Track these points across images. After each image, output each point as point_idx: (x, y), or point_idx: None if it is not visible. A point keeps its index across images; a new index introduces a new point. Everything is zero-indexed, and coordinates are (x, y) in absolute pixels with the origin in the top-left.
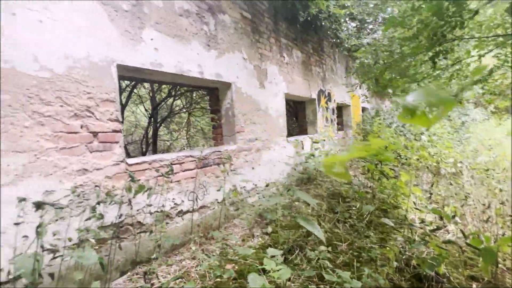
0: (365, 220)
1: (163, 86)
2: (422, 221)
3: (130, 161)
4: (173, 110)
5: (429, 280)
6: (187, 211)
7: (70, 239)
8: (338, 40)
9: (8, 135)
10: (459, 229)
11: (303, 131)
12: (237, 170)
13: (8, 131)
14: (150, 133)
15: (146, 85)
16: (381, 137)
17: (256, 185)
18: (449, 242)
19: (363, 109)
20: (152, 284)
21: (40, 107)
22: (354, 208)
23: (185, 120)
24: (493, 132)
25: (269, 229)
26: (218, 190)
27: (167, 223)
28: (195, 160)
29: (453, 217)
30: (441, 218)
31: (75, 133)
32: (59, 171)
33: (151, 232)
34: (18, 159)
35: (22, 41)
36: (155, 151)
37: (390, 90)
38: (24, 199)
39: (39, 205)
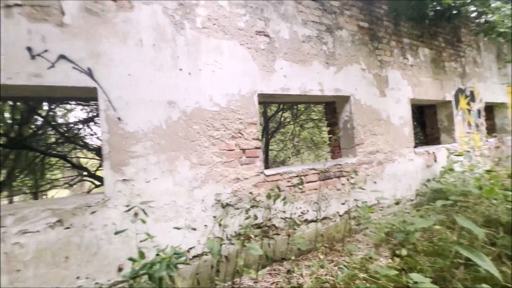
0: None
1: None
2: None
3: (267, 172)
4: (281, 122)
5: None
6: (311, 221)
7: (237, 233)
8: (486, 24)
9: (197, 153)
10: None
11: (434, 140)
12: (357, 184)
13: (197, 150)
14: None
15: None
16: None
17: (378, 201)
18: None
19: None
20: (290, 281)
21: (213, 132)
22: None
23: (291, 131)
24: None
25: (403, 252)
26: (343, 204)
27: (295, 229)
28: (317, 173)
29: None
30: None
31: (232, 150)
32: (223, 179)
33: (289, 236)
34: (202, 170)
35: (203, 87)
36: (266, 161)
37: None
38: (218, 199)
39: (224, 205)
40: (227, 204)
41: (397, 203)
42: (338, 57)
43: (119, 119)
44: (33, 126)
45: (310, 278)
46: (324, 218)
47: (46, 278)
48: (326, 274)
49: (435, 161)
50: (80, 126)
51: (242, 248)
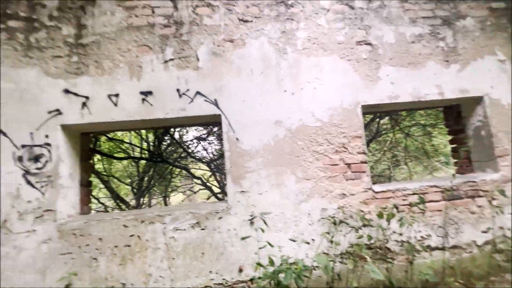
0: None
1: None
2: None
3: (376, 188)
4: (378, 130)
5: None
6: (436, 248)
7: (347, 252)
8: None
9: (302, 168)
10: None
11: None
12: (504, 207)
13: (302, 165)
14: None
15: None
16: None
17: None
18: None
19: None
20: None
21: (316, 147)
22: None
23: (389, 140)
24: None
25: None
26: (484, 232)
27: (414, 255)
28: (441, 191)
29: None
30: None
31: (336, 165)
32: (328, 194)
33: (411, 263)
34: (307, 184)
35: (305, 104)
36: None
37: None
38: (327, 213)
39: (336, 222)
40: (340, 222)
41: None
42: (462, 51)
43: (237, 139)
44: (165, 144)
45: None
46: (454, 246)
47: (190, 268)
48: None
49: None
50: (196, 143)
51: (354, 268)
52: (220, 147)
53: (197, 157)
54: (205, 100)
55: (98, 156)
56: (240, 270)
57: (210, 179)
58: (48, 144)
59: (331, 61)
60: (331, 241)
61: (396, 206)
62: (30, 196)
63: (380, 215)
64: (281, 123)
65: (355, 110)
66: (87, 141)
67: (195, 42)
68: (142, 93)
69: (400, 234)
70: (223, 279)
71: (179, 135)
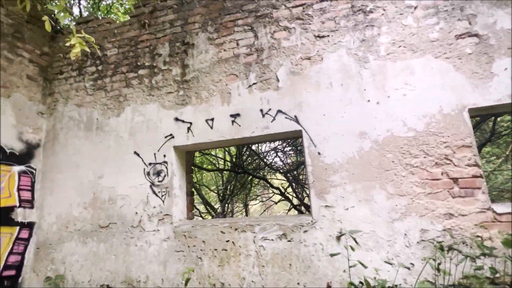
0: None
1: None
2: None
3: (499, 209)
4: (494, 131)
5: None
6: None
7: (460, 284)
8: None
9: (394, 183)
10: None
11: None
12: None
13: (393, 179)
14: None
15: None
16: None
17: None
18: None
19: None
20: None
21: (410, 160)
22: None
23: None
24: None
25: None
26: None
27: None
28: None
29: None
30: None
31: (437, 179)
32: (429, 213)
33: None
34: (401, 201)
35: (393, 113)
36: None
37: None
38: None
39: (442, 248)
40: (450, 248)
41: None
42: None
43: (319, 153)
44: (245, 156)
45: None
46: None
47: (279, 277)
48: None
49: None
50: (273, 154)
51: None
52: (296, 157)
53: (274, 167)
54: (286, 117)
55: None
56: (328, 287)
57: (288, 189)
58: (165, 162)
59: (424, 63)
60: (438, 269)
61: None
62: (155, 203)
63: (506, 243)
64: (365, 134)
65: (460, 115)
66: (190, 158)
67: (275, 64)
68: (231, 115)
69: None
70: None
71: (257, 147)
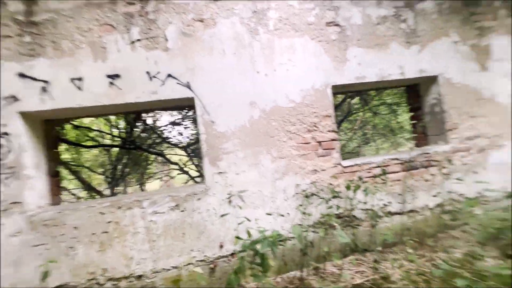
0: None
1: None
2: None
3: (345, 163)
4: (350, 110)
5: None
6: (396, 213)
7: (319, 222)
8: None
9: (277, 148)
10: None
11: None
12: (451, 174)
13: (276, 144)
14: None
15: None
16: None
17: (480, 193)
18: None
19: None
20: (377, 271)
21: (289, 127)
22: None
23: (359, 118)
24: None
25: None
26: (434, 196)
27: (376, 221)
28: (401, 163)
29: None
30: None
31: (308, 143)
32: (302, 171)
33: (373, 226)
34: (282, 163)
35: (279, 86)
36: None
37: None
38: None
39: (307, 195)
40: (312, 194)
41: (509, 197)
42: (421, 33)
43: (212, 122)
44: (138, 130)
45: (399, 270)
46: (411, 211)
47: (172, 247)
48: (417, 269)
49: None
50: (171, 128)
51: (325, 236)
52: (196, 131)
53: (172, 143)
54: (177, 83)
55: (65, 145)
56: (221, 246)
57: (188, 163)
58: (6, 134)
59: (303, 43)
60: (304, 213)
61: (361, 178)
62: None
63: (348, 187)
64: (255, 104)
65: (326, 90)
66: (52, 129)
67: (163, 21)
68: (109, 76)
69: (365, 203)
70: (205, 256)
71: (153, 121)
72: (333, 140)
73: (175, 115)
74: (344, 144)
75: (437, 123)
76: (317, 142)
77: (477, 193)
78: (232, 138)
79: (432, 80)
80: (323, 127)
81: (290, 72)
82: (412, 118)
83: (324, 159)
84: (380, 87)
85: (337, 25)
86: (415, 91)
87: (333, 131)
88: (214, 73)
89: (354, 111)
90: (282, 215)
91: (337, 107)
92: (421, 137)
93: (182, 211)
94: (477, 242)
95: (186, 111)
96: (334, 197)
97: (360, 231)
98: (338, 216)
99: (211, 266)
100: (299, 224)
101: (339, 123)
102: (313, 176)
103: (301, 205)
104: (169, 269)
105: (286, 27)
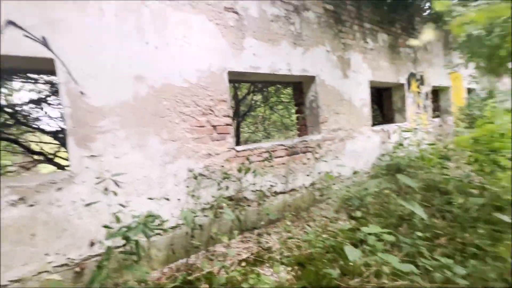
0: (472, 214)
1: (242, 83)
2: None
3: (238, 148)
4: (252, 105)
5: None
6: (280, 192)
7: (210, 204)
8: (435, 14)
9: (168, 129)
10: None
11: (389, 120)
12: (322, 158)
13: (167, 126)
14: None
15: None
16: (495, 123)
17: (340, 173)
18: None
19: (469, 91)
20: (260, 244)
21: (183, 108)
22: (455, 203)
23: (261, 114)
24: None
25: (358, 214)
26: (308, 175)
27: (264, 200)
28: (285, 149)
29: None
30: None
31: (203, 126)
32: (195, 154)
33: (259, 205)
34: (173, 145)
35: (172, 62)
36: (238, 143)
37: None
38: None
39: (195, 176)
40: (200, 174)
41: (354, 173)
42: (305, 38)
43: (81, 93)
44: None
45: (278, 241)
46: (292, 190)
47: (12, 256)
48: (292, 237)
49: (389, 138)
50: (33, 107)
51: (215, 219)
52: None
53: (34, 126)
54: (26, 35)
55: None
56: (92, 244)
57: (59, 152)
58: None
59: (200, 22)
60: (193, 196)
61: (251, 162)
62: None
63: (239, 170)
64: (143, 78)
65: (222, 75)
66: None
67: None
68: None
69: (254, 184)
70: (68, 258)
71: (5, 98)
72: (227, 125)
73: (40, 92)
74: (248, 138)
75: (314, 116)
76: (212, 126)
77: (337, 173)
78: (110, 115)
79: (311, 79)
80: (219, 111)
81: (185, 50)
82: (297, 111)
83: (219, 143)
84: (273, 80)
85: (235, 12)
86: (300, 89)
87: (228, 116)
88: (87, 34)
89: (256, 106)
90: (167, 199)
91: (240, 100)
92: (303, 128)
93: (32, 205)
94: (335, 210)
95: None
96: (225, 178)
97: (249, 211)
98: (230, 199)
99: (77, 269)
100: (191, 209)
101: (242, 116)
102: (207, 160)
103: (192, 190)
104: (6, 285)
105: (181, 1)
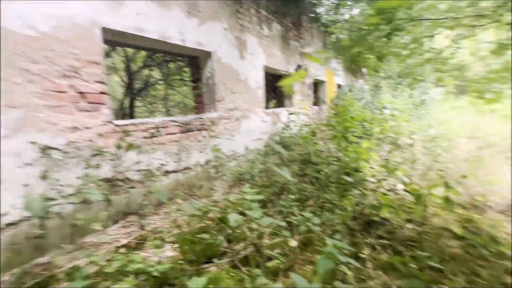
0: (330, 179)
1: (138, 56)
2: (375, 177)
3: (118, 122)
4: (149, 81)
5: (376, 223)
6: (172, 171)
7: (77, 189)
8: (317, 15)
9: (3, 91)
10: (401, 182)
11: (280, 104)
12: (218, 136)
13: (3, 86)
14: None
15: (121, 52)
16: (350, 110)
17: (235, 151)
18: (390, 190)
19: (339, 86)
20: (144, 226)
21: (28, 65)
22: (322, 172)
23: (162, 93)
24: (447, 110)
25: (246, 186)
26: (201, 152)
27: (153, 181)
28: (179, 125)
29: (397, 173)
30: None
31: (63, 92)
32: (52, 127)
33: (148, 186)
34: (13, 114)
35: None
36: None
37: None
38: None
39: (44, 149)
40: (62, 152)
41: (249, 153)
42: (202, 9)
43: None
44: None
45: (167, 220)
46: (186, 168)
47: None
48: (183, 215)
49: (279, 120)
50: None
51: (83, 205)
52: None
53: None
54: None
55: None
56: None
57: None
58: None
59: None
60: (47, 179)
61: (134, 138)
62: None
63: (118, 146)
64: None
65: (93, 30)
66: None
67: None
68: None
69: (139, 163)
70: None
71: None
72: (102, 93)
73: None
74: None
75: (210, 93)
76: (79, 92)
77: (232, 150)
78: None
79: (208, 55)
80: (89, 75)
81: None
82: (194, 88)
83: (90, 115)
84: (164, 49)
85: None
86: (196, 64)
87: (102, 82)
88: None
89: (154, 84)
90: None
91: (134, 74)
92: (200, 106)
93: None
94: (228, 185)
95: None
96: (96, 155)
97: (134, 193)
98: (109, 180)
99: None
100: (48, 197)
101: (138, 93)
102: (73, 135)
103: (46, 171)
104: None
105: None
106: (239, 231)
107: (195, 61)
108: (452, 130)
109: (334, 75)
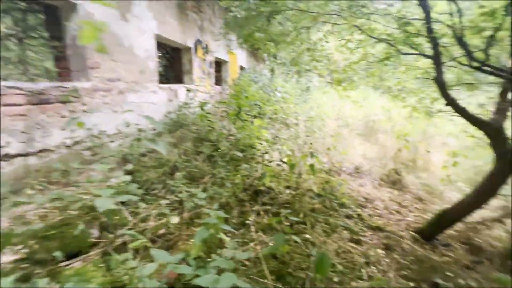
0: (226, 156)
1: None
2: (264, 153)
3: None
4: None
5: (262, 192)
6: (17, 155)
7: None
8: None
9: None
10: (283, 155)
11: (179, 80)
12: (93, 111)
13: None
14: None
15: None
16: (246, 91)
17: (120, 130)
18: (271, 162)
19: (242, 68)
20: None
21: None
22: (219, 150)
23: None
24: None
25: (129, 166)
26: (63, 130)
27: None
28: (25, 94)
29: (281, 147)
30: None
31: None
32: None
33: None
34: None
35: None
36: None
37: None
38: None
39: None
40: None
41: (139, 131)
42: None
43: None
44: None
45: (7, 217)
46: (43, 150)
47: None
48: (36, 209)
49: (176, 97)
50: None
51: None
52: None
53: None
54: None
55: None
56: None
57: None
58: None
59: None
60: None
61: None
62: None
63: None
64: None
65: None
66: None
67: None
68: None
69: None
70: None
71: None
72: None
73: None
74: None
75: (79, 58)
76: None
77: (116, 129)
78: None
79: (72, 5)
80: None
81: None
82: (55, 48)
83: None
84: None
85: None
86: (55, 16)
87: None
88: None
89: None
90: None
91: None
92: (65, 72)
93: None
94: (109, 169)
95: None
96: None
97: None
98: None
99: None
100: None
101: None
102: None
103: None
104: None
105: None
106: (117, 217)
107: (54, 11)
108: (324, 112)
109: (237, 56)
